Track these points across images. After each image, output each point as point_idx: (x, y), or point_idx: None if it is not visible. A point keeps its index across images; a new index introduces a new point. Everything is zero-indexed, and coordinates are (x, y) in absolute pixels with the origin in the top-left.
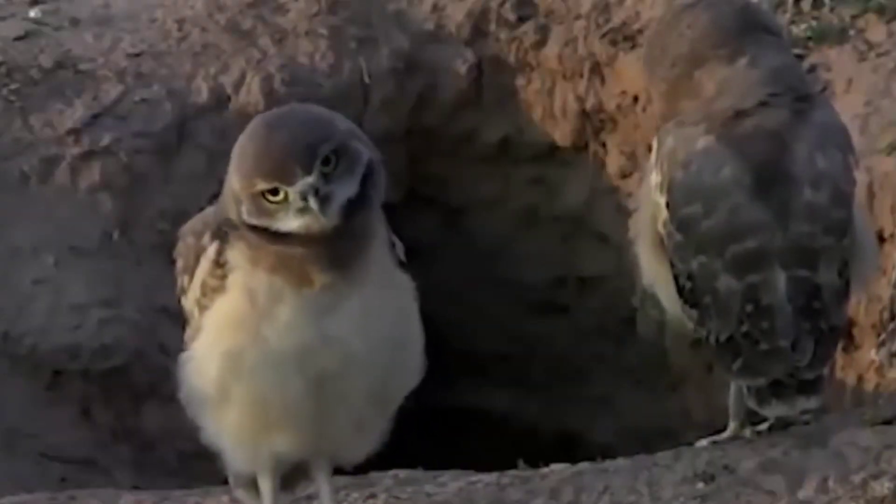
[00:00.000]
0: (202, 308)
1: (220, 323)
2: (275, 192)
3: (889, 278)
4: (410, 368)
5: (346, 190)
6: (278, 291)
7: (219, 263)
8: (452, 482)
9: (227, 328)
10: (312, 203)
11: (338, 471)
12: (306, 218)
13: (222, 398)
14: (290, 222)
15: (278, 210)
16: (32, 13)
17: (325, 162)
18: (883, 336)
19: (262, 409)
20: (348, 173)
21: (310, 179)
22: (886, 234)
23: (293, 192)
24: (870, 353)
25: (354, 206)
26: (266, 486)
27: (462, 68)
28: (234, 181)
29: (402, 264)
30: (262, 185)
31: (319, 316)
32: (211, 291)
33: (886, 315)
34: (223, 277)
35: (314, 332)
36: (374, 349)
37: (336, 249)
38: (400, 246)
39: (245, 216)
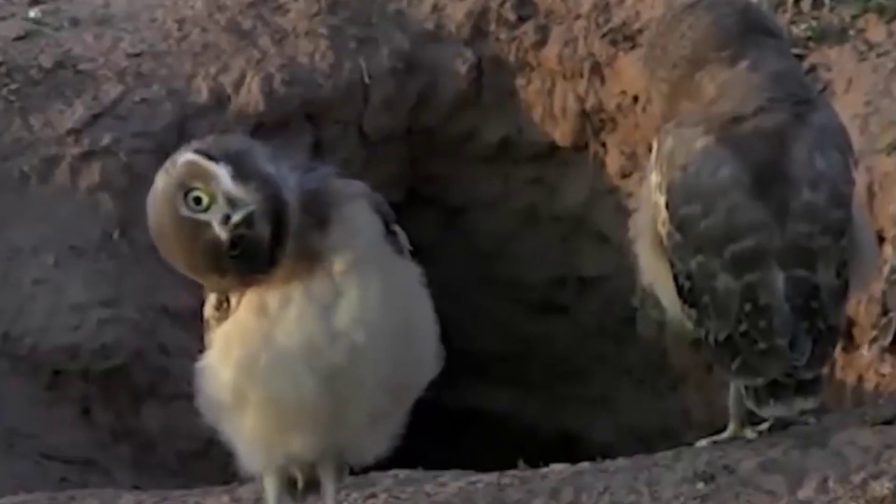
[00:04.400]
0: (216, 322)
1: (232, 334)
2: (233, 246)
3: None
4: (424, 357)
5: (223, 177)
6: (289, 294)
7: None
8: (452, 482)
9: (239, 338)
10: (236, 216)
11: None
12: (256, 218)
13: (239, 403)
14: (263, 232)
15: (248, 245)
16: (32, 13)
17: (197, 201)
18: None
19: (278, 409)
20: (210, 176)
21: (215, 223)
22: (887, 235)
23: (226, 236)
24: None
25: (241, 170)
26: (271, 486)
27: (462, 68)
28: (208, 282)
29: (405, 252)
30: (219, 260)
31: (324, 312)
32: (216, 322)
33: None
34: (228, 310)
35: (319, 328)
36: (380, 339)
37: (312, 211)
38: (402, 234)
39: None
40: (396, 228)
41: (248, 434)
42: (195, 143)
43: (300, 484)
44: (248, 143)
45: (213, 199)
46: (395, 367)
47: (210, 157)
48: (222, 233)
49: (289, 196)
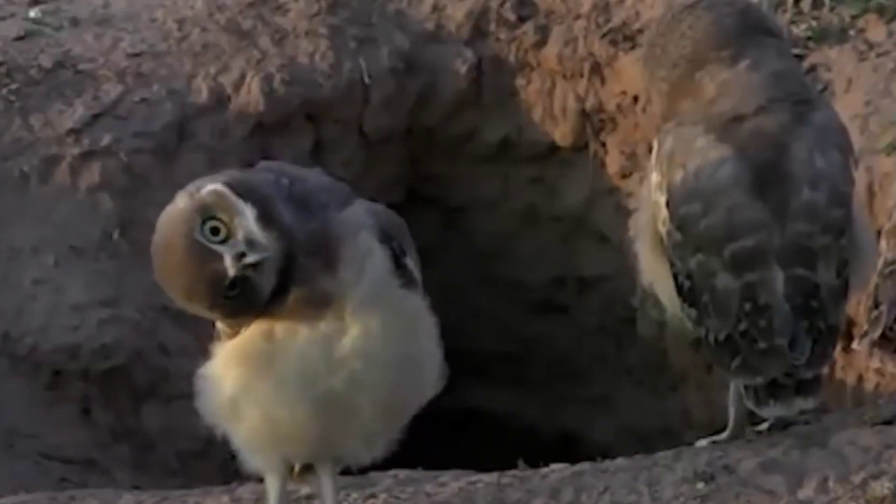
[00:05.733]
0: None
1: (233, 355)
2: (232, 285)
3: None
4: (422, 385)
5: (249, 217)
6: (296, 329)
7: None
8: (452, 482)
9: (239, 360)
10: (251, 258)
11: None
12: (265, 266)
13: (235, 415)
14: (267, 281)
15: (248, 287)
16: (32, 13)
17: (214, 232)
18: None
19: (273, 427)
20: (235, 212)
21: (228, 257)
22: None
23: (233, 273)
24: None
25: (266, 215)
26: (273, 486)
27: (462, 68)
28: (193, 311)
29: (413, 283)
30: (222, 296)
31: (326, 342)
32: (226, 336)
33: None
34: (238, 330)
35: (320, 357)
36: (379, 371)
37: (321, 254)
38: (412, 266)
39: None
40: (406, 262)
41: (244, 441)
42: (223, 176)
43: (297, 467)
44: (270, 184)
45: (230, 235)
46: (392, 397)
47: (238, 194)
48: (231, 269)
49: (297, 249)
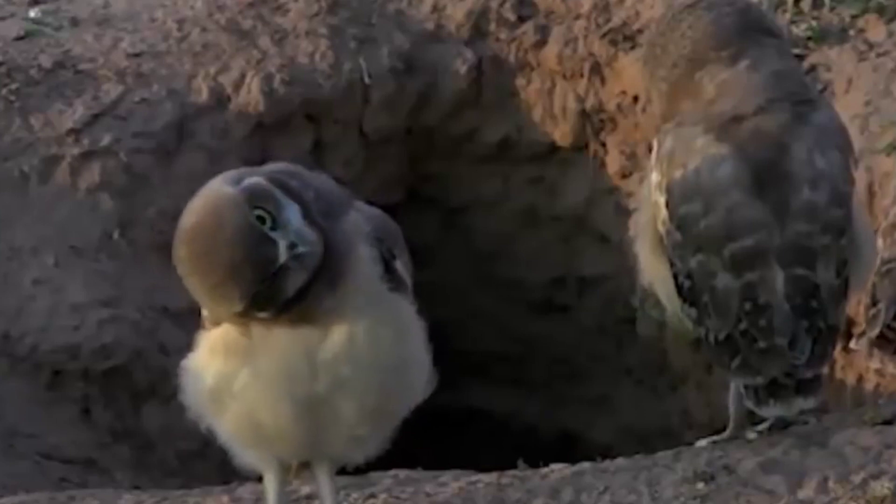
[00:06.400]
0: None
1: (215, 346)
2: (274, 275)
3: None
4: (411, 388)
5: (295, 212)
6: (273, 330)
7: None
8: (452, 482)
9: (220, 352)
10: (302, 248)
11: (338, 471)
12: (307, 263)
13: (218, 410)
14: (297, 280)
15: (284, 279)
16: (32, 13)
17: (261, 221)
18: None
19: (256, 425)
20: (280, 206)
21: (282, 245)
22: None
23: (284, 258)
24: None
25: (307, 215)
26: (271, 484)
27: (462, 68)
28: (222, 311)
29: (402, 286)
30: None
31: (309, 345)
32: (211, 324)
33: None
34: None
35: (303, 359)
36: (364, 374)
37: (328, 269)
38: (403, 269)
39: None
40: (397, 266)
41: (229, 436)
42: (257, 175)
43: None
44: (302, 189)
45: (276, 226)
46: (378, 400)
47: (282, 191)
48: (283, 255)
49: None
